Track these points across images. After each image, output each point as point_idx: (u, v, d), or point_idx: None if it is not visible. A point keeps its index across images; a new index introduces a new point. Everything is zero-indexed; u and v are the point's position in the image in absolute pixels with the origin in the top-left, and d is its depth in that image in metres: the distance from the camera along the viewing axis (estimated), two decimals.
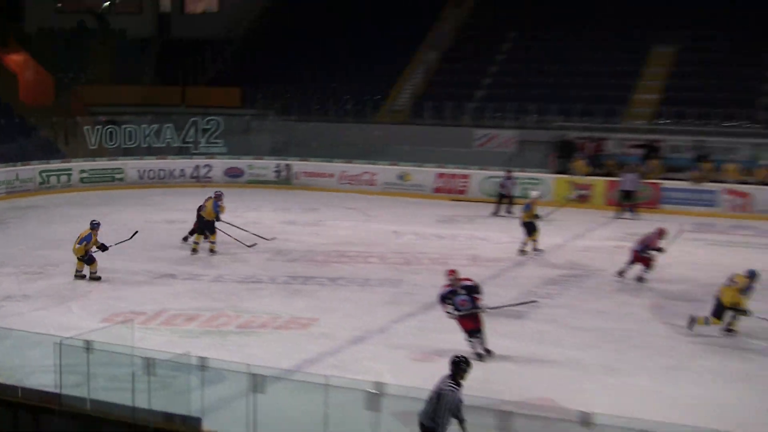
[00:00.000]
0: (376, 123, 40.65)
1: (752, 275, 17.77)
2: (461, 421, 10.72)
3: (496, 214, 31.89)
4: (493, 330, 15.93)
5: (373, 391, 10.45)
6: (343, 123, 40.61)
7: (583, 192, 33.06)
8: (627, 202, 32.62)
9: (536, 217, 25.29)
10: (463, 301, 15.66)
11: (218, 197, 25.00)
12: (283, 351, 16.21)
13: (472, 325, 15.67)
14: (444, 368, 15.26)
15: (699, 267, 22.57)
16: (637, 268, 21.96)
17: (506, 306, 16.54)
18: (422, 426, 10.68)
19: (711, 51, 39.32)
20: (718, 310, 17.61)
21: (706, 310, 18.03)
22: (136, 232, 23.38)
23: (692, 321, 17.87)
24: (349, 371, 14.36)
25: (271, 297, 20.21)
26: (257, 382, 10.90)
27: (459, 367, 11.07)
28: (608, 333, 17.88)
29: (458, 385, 10.89)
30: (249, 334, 17.49)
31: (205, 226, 24.56)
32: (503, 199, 32.26)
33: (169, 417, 11.24)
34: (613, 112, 37.52)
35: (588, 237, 27.34)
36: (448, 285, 15.94)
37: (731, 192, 32.71)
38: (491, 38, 43.84)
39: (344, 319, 18.52)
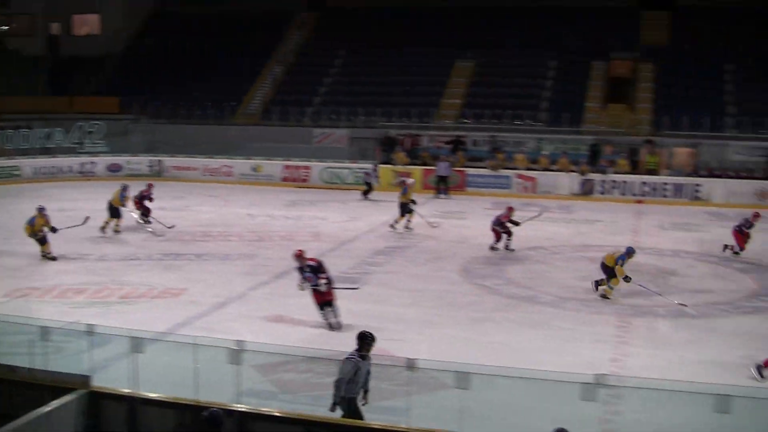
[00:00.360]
0: (232, 124, 40.28)
1: (629, 251, 17.67)
2: (366, 391, 10.38)
3: (365, 197, 32.02)
4: (337, 293, 15.74)
5: (235, 348, 10.28)
6: (205, 125, 40.09)
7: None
8: (441, 186, 33.14)
9: (412, 201, 25.39)
10: (309, 278, 15.39)
11: (124, 188, 24.88)
12: (158, 316, 15.83)
13: (320, 299, 15.39)
14: (292, 327, 15.33)
15: None
16: (504, 239, 22.16)
17: (339, 288, 16.19)
18: None
19: (502, 65, 40.29)
20: (608, 273, 17.65)
21: (506, 272, 18.29)
22: (88, 217, 22.83)
23: (597, 284, 17.84)
24: (214, 332, 14.14)
25: (148, 271, 19.75)
26: (137, 343, 10.64)
27: (364, 341, 10.41)
28: (426, 293, 18.05)
29: (363, 357, 10.28)
30: (129, 303, 17.05)
31: (112, 212, 24.30)
32: (367, 186, 32.44)
33: (63, 376, 10.88)
34: (426, 113, 38.02)
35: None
36: (297, 264, 15.72)
37: (521, 176, 33.52)
38: (326, 55, 43.98)
39: (209, 288, 18.24)
